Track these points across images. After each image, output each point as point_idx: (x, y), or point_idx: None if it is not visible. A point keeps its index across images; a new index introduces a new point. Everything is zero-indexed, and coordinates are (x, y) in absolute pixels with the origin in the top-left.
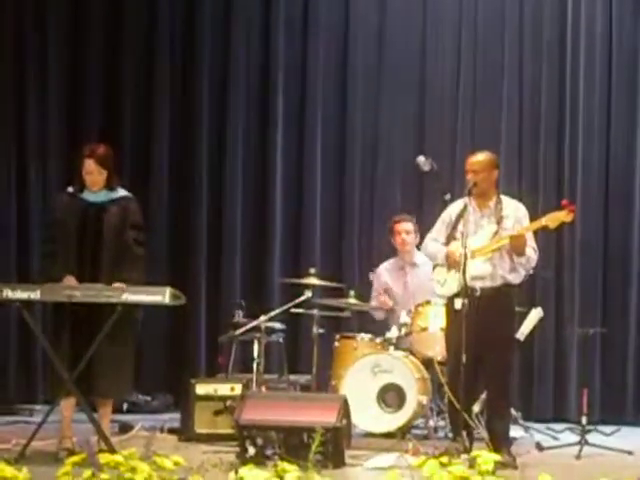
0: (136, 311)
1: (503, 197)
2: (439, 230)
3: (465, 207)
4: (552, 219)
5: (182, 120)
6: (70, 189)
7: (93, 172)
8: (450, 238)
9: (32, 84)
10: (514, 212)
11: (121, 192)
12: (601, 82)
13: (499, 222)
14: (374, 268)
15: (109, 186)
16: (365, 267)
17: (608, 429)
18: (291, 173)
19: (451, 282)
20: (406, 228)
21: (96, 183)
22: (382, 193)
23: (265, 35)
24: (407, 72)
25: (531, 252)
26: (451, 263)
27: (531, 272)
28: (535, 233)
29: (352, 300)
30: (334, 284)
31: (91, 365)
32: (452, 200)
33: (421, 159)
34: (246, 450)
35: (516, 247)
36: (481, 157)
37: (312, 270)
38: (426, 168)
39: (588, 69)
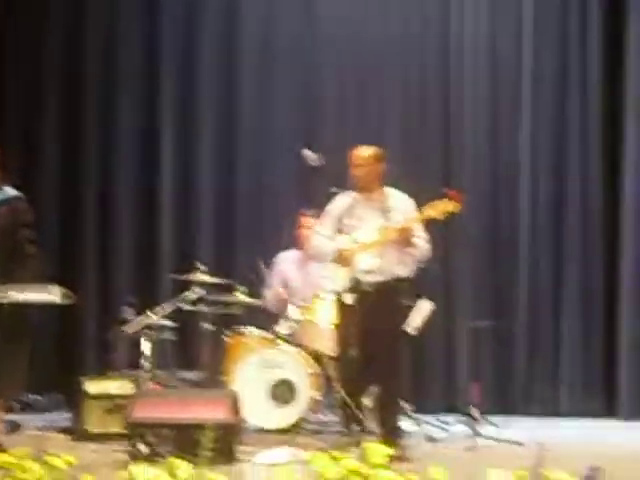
0: (28, 310)
1: (390, 190)
2: (326, 224)
3: (351, 201)
4: (438, 209)
5: (69, 110)
6: None
7: None
8: (338, 232)
9: None
10: (401, 204)
11: (10, 192)
12: (488, 76)
13: (386, 215)
14: (267, 260)
15: None
16: (254, 263)
17: (498, 420)
18: (180, 164)
19: (341, 277)
20: (308, 223)
21: None
22: (272, 188)
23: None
24: (293, 71)
25: (421, 243)
26: (341, 262)
27: (422, 265)
28: (427, 225)
29: (241, 296)
30: (223, 280)
31: None
32: (338, 193)
33: (307, 152)
34: (138, 448)
35: (403, 239)
36: (365, 151)
37: (200, 266)
38: (313, 162)
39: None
